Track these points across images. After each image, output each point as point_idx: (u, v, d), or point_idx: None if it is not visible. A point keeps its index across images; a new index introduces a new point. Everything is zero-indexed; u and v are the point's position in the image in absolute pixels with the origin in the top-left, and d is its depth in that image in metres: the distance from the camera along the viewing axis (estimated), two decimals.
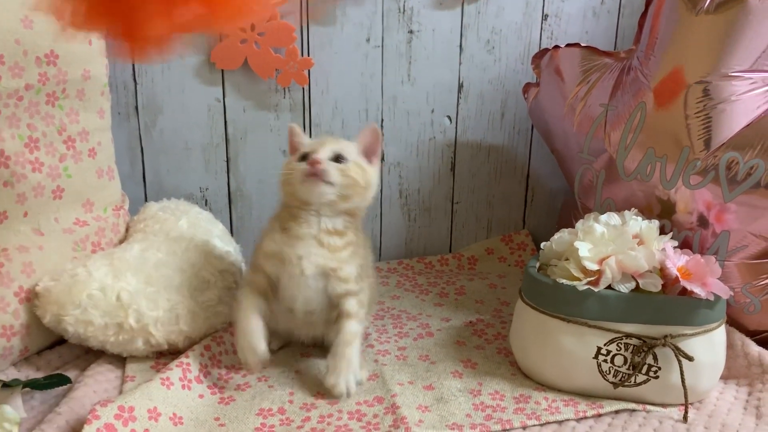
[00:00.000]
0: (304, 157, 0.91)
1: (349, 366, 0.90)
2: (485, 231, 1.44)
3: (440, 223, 1.42)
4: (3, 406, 0.80)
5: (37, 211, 0.99)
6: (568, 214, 1.23)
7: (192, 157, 1.29)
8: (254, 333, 0.90)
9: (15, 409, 0.81)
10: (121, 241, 1.12)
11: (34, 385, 0.86)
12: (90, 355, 0.99)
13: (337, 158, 0.91)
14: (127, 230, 1.15)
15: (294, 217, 0.92)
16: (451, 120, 1.36)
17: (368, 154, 0.96)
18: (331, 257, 0.91)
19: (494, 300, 1.24)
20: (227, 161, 1.30)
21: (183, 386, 0.88)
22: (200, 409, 0.87)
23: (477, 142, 1.38)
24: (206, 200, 1.31)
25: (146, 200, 1.27)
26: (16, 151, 0.95)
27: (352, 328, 0.93)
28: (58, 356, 0.99)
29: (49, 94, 1.00)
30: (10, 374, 0.92)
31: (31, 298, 0.94)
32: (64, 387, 0.89)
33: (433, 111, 1.34)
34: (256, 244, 0.97)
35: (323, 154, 0.90)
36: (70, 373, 0.92)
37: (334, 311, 0.94)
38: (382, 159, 1.35)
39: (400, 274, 1.36)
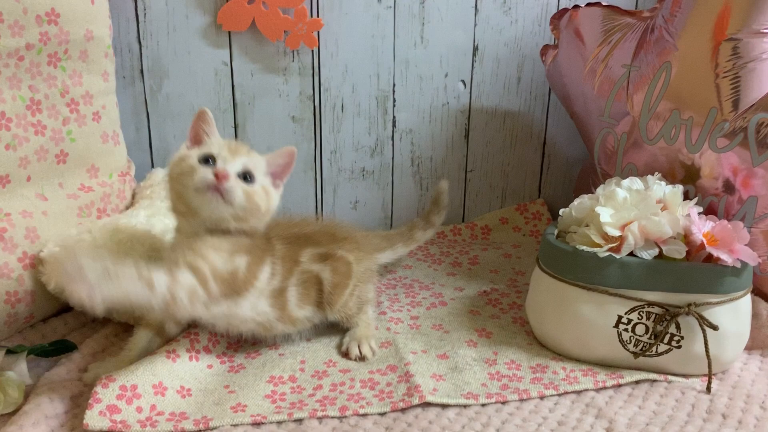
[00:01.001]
0: (208, 160, 0.80)
1: None
2: (499, 200, 1.41)
3: (453, 192, 1.39)
4: (8, 372, 0.78)
5: (40, 175, 0.96)
6: (586, 183, 1.19)
7: None
8: None
9: (20, 375, 0.79)
10: (127, 208, 1.09)
11: (39, 351, 0.85)
12: (96, 323, 0.97)
13: (246, 176, 0.81)
14: (133, 197, 1.13)
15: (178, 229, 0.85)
16: (465, 85, 1.31)
17: (276, 175, 0.86)
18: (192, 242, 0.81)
19: (509, 269, 1.21)
20: (235, 127, 1.27)
21: (190, 358, 0.86)
22: (209, 379, 0.85)
23: (492, 108, 1.34)
24: None
25: (153, 167, 1.24)
26: (17, 113, 0.92)
27: (157, 278, 0.74)
28: (64, 324, 0.97)
29: (51, 54, 0.97)
30: (15, 341, 0.91)
31: (36, 264, 0.92)
32: (70, 353, 0.87)
33: (446, 75, 1.30)
34: None
35: (233, 167, 0.80)
36: (76, 341, 0.90)
37: None
38: (393, 125, 1.31)
39: None
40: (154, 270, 0.73)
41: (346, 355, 0.91)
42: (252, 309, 0.86)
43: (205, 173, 0.78)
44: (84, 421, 0.72)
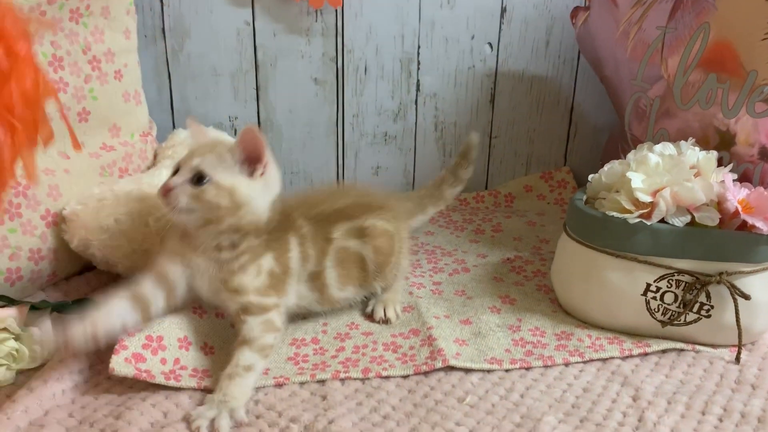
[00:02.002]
0: (175, 172, 0.79)
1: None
2: (524, 167, 1.38)
3: (477, 159, 1.36)
4: (32, 328, 0.78)
5: (62, 133, 0.95)
6: (614, 150, 1.17)
7: (220, 84, 1.24)
8: None
9: (44, 332, 0.80)
10: (149, 168, 1.09)
11: (62, 308, 0.85)
12: (119, 281, 0.97)
13: (198, 178, 0.76)
14: (155, 158, 1.12)
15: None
16: (492, 47, 1.28)
17: (251, 161, 0.78)
18: (220, 271, 0.80)
19: (533, 237, 1.19)
20: (257, 89, 1.25)
21: (216, 314, 0.86)
22: (232, 339, 0.85)
23: (519, 72, 1.30)
24: (235, 130, 1.27)
25: (174, 128, 1.23)
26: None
27: (244, 360, 0.75)
28: (86, 283, 0.97)
29: (73, 10, 0.95)
30: (38, 298, 0.91)
31: (58, 222, 0.92)
32: None
33: (473, 37, 1.27)
34: None
35: (181, 175, 0.76)
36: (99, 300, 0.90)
37: None
38: (417, 89, 1.29)
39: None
40: (241, 357, 0.75)
41: (369, 317, 0.91)
42: (296, 296, 0.85)
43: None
44: (110, 366, 0.72)
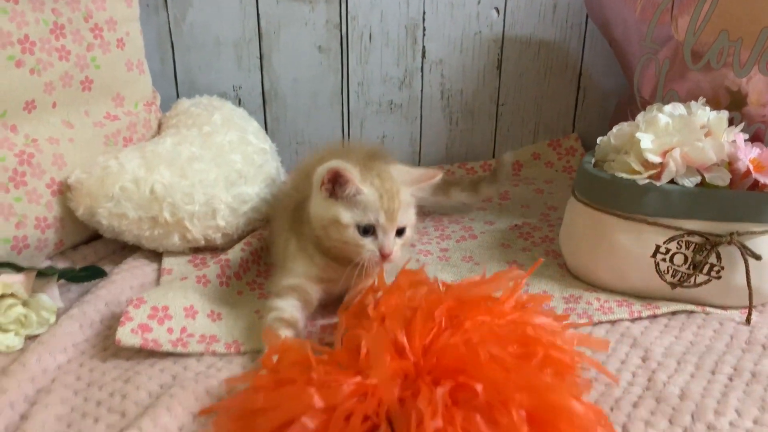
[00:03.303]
0: (367, 230, 0.76)
1: None
2: (532, 135, 1.37)
3: (484, 127, 1.35)
4: (40, 294, 0.79)
5: (66, 102, 0.95)
6: (623, 116, 1.15)
7: (224, 54, 1.23)
8: None
9: (52, 298, 0.80)
10: (153, 138, 1.08)
11: (69, 275, 0.85)
12: (125, 250, 0.98)
13: (399, 231, 0.78)
14: (159, 127, 1.12)
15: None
16: (498, 12, 1.26)
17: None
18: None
19: (541, 204, 1.19)
20: (260, 58, 1.24)
21: (221, 283, 0.86)
22: (239, 305, 0.85)
23: (526, 38, 1.29)
24: (240, 100, 1.26)
25: (178, 98, 1.22)
26: (41, 37, 0.91)
27: None
28: (93, 251, 0.97)
29: None
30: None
31: (64, 190, 0.92)
32: (100, 280, 0.88)
33: (479, 2, 1.25)
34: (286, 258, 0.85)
35: (391, 241, 0.76)
36: (106, 268, 0.90)
37: None
38: (423, 56, 1.27)
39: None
40: None
41: None
42: None
43: (372, 249, 0.76)
44: (116, 337, 0.72)
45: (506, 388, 0.56)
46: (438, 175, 0.81)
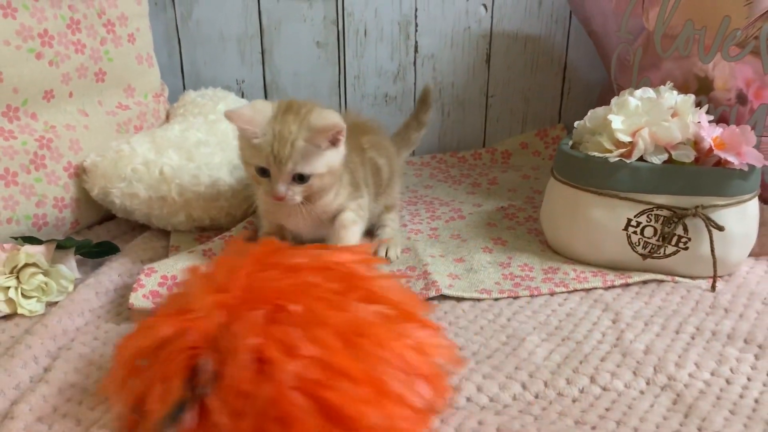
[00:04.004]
0: (264, 172, 0.83)
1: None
2: (520, 125, 1.44)
3: (474, 118, 1.42)
4: (59, 265, 0.85)
5: (81, 92, 1.02)
6: (605, 104, 1.21)
7: (228, 49, 1.30)
8: None
9: (70, 269, 0.87)
10: (161, 126, 1.15)
11: (85, 250, 0.92)
12: (136, 230, 1.04)
13: (300, 177, 0.82)
14: (167, 117, 1.19)
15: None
16: (486, 8, 1.33)
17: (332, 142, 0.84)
18: (313, 209, 0.88)
19: (527, 189, 1.25)
20: (262, 53, 1.31)
21: None
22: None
23: (513, 33, 1.36)
24: (243, 93, 1.33)
25: (184, 90, 1.29)
26: (59, 32, 0.98)
27: (345, 217, 0.91)
28: (106, 231, 1.04)
29: None
30: None
31: (80, 173, 0.99)
32: (113, 255, 0.95)
33: None
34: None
35: (282, 185, 0.82)
36: (118, 246, 0.97)
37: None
38: (416, 51, 1.34)
39: (433, 168, 1.37)
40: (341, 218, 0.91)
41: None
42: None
43: (267, 191, 0.84)
44: (129, 302, 0.79)
45: (323, 310, 0.57)
46: (333, 129, 0.81)
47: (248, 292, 0.60)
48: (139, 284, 0.82)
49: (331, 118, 0.83)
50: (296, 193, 0.83)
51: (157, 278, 0.84)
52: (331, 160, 0.84)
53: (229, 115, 0.81)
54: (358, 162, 0.96)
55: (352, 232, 0.91)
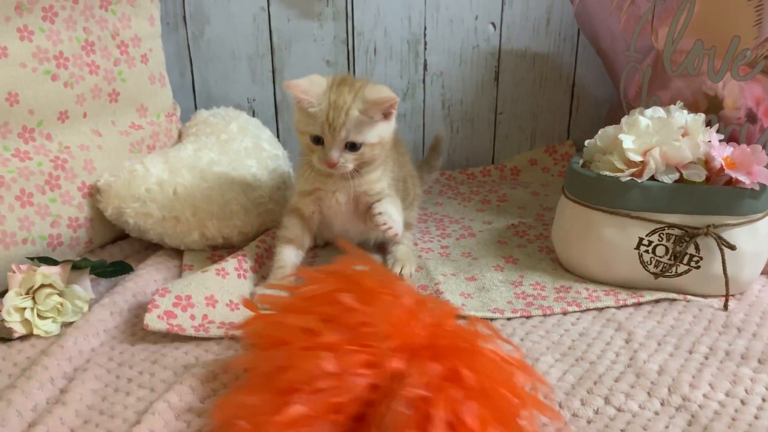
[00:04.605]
0: (318, 140, 0.87)
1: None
2: (528, 142, 1.44)
3: (483, 134, 1.43)
4: (74, 285, 0.86)
5: (95, 112, 1.04)
6: (614, 122, 1.21)
7: (239, 68, 1.31)
8: (284, 263, 0.93)
9: (84, 289, 0.87)
10: (174, 146, 1.16)
11: (99, 270, 0.92)
12: (149, 249, 1.05)
13: (352, 146, 0.87)
14: (179, 137, 1.20)
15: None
16: (495, 27, 1.34)
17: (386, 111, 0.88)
18: (360, 184, 0.92)
19: (537, 206, 1.25)
20: (273, 72, 1.33)
21: (239, 275, 0.93)
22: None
23: (521, 50, 1.36)
24: (254, 111, 1.34)
25: (196, 109, 1.30)
26: (74, 53, 0.99)
27: (384, 200, 0.93)
28: (119, 250, 1.05)
29: None
30: None
31: (93, 193, 1.00)
32: (127, 274, 0.95)
33: (476, 17, 1.33)
34: (294, 181, 0.99)
35: (335, 151, 0.86)
36: (131, 265, 0.98)
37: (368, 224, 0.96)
38: (425, 68, 1.36)
39: (443, 185, 1.38)
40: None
41: None
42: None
43: (320, 158, 0.88)
44: (144, 322, 0.80)
45: (493, 385, 0.60)
46: (387, 102, 0.86)
47: (428, 341, 0.64)
48: (153, 305, 0.83)
49: (385, 92, 0.87)
50: (348, 160, 0.87)
51: (171, 298, 0.84)
52: (382, 131, 0.88)
53: (287, 85, 0.86)
54: (397, 171, 0.99)
55: (391, 204, 0.93)
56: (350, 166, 0.87)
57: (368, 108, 0.85)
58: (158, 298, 0.84)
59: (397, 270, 0.97)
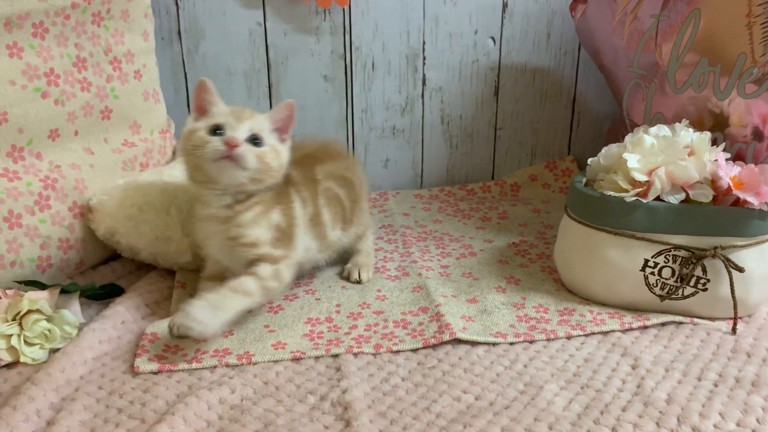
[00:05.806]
0: (216, 130, 0.83)
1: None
2: (529, 157, 1.42)
3: (483, 150, 1.41)
4: (63, 310, 0.83)
5: (87, 130, 1.01)
6: (615, 138, 1.20)
7: (235, 83, 1.29)
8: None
9: (74, 314, 0.85)
10: (167, 164, 1.14)
11: (90, 293, 0.90)
12: (142, 270, 1.03)
13: (254, 139, 0.84)
14: (173, 154, 1.17)
15: (198, 197, 0.89)
16: (494, 41, 1.33)
17: (281, 130, 0.88)
18: (229, 228, 0.86)
19: (538, 223, 1.23)
20: (269, 87, 1.31)
21: None
22: (249, 320, 0.90)
23: (522, 65, 1.35)
24: None
25: None
26: (65, 70, 0.97)
27: (245, 284, 0.83)
28: (111, 271, 1.02)
29: (95, 13, 1.01)
30: None
31: (85, 212, 0.97)
32: (118, 296, 0.93)
33: (476, 32, 1.31)
34: None
35: (241, 133, 0.82)
36: (123, 287, 0.95)
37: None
38: (423, 83, 1.34)
39: (442, 201, 1.36)
40: (241, 280, 0.83)
41: (347, 278, 1.01)
42: (302, 248, 0.92)
43: (216, 144, 0.82)
44: (135, 365, 0.78)
45: None
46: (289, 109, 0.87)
47: None
48: (143, 350, 0.81)
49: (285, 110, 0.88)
50: (249, 151, 0.82)
51: (161, 345, 0.82)
52: (278, 146, 0.87)
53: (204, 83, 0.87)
54: (308, 197, 0.94)
55: (246, 292, 0.83)
56: (251, 158, 0.82)
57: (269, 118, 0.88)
58: (147, 344, 0.81)
59: (355, 275, 0.99)
